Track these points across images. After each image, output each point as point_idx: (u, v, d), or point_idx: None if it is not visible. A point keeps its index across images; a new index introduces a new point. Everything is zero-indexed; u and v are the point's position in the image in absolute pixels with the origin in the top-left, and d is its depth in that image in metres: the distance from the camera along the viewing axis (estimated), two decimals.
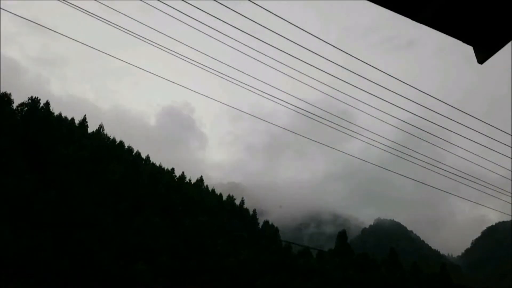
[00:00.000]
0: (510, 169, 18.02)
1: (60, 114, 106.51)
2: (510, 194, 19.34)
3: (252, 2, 7.59)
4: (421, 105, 12.19)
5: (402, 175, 20.00)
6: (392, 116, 15.33)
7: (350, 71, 10.36)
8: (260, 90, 13.05)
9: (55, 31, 12.76)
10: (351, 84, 12.30)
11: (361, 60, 9.79)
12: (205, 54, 11.56)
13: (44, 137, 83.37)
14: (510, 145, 14.92)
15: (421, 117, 15.20)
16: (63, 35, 14.75)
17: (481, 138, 16.22)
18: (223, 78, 12.34)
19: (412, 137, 17.59)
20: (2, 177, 66.15)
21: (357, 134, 16.17)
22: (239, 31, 10.33)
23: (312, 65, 11.84)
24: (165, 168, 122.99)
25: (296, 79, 12.60)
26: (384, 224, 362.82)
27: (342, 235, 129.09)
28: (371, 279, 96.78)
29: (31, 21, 12.14)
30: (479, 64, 3.19)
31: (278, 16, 8.52)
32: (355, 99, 14.12)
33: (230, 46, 11.05)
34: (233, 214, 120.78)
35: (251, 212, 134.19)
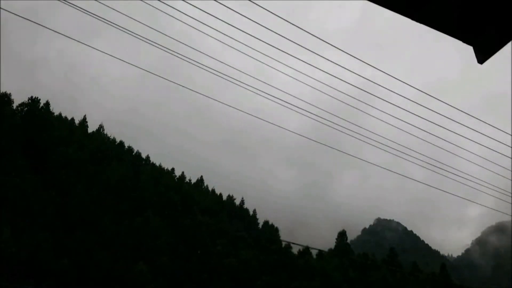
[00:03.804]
0: (510, 169, 18.01)
1: (60, 114, 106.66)
2: (510, 194, 19.33)
3: None
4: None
5: (404, 176, 20.01)
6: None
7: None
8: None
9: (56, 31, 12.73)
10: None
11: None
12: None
13: (44, 137, 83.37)
14: (510, 145, 14.90)
15: (424, 119, 15.18)
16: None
17: (481, 138, 16.20)
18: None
19: (417, 139, 17.59)
20: (3, 177, 66.16)
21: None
22: None
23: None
24: (165, 168, 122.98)
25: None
26: (384, 224, 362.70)
27: (342, 235, 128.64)
28: (371, 279, 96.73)
29: (31, 21, 12.13)
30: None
31: None
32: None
33: None
34: (233, 214, 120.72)
35: (251, 212, 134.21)
